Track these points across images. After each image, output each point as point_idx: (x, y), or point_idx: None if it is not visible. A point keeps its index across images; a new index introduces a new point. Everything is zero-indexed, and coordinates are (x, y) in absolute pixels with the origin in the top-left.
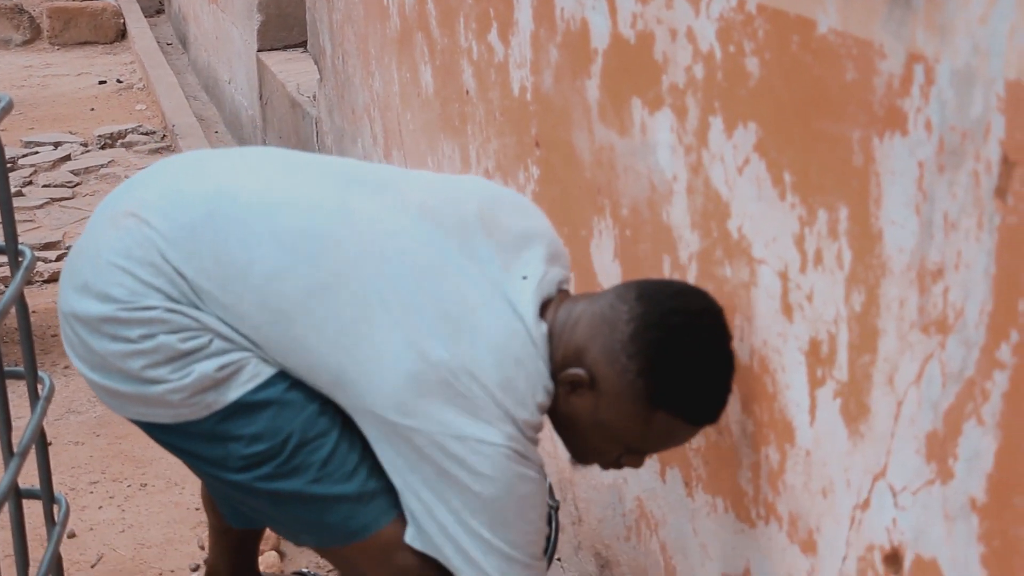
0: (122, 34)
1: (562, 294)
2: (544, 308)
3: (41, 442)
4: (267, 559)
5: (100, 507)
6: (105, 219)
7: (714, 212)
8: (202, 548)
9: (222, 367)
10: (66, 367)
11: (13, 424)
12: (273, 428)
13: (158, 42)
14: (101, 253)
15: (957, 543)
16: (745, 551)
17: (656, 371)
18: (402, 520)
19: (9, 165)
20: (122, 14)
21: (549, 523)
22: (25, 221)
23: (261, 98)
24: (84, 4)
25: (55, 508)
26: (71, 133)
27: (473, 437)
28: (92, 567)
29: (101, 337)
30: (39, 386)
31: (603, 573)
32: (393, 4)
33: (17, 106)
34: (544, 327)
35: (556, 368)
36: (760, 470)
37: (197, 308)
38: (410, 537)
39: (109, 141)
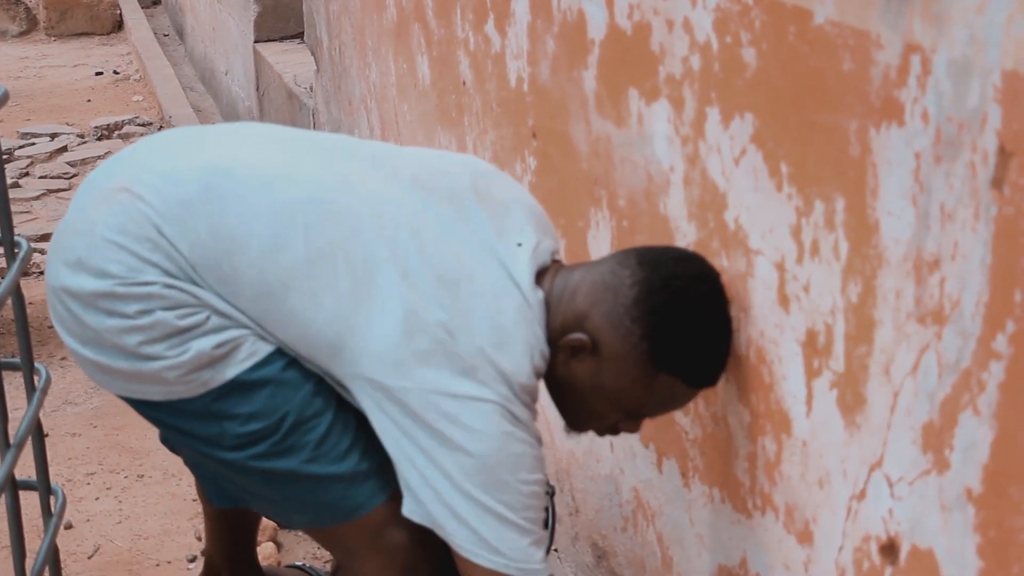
0: (119, 25)
1: (556, 264)
2: (539, 277)
3: (37, 433)
4: (264, 550)
5: (97, 498)
6: (95, 195)
7: (711, 203)
8: (199, 539)
9: (219, 344)
10: (63, 358)
11: (9, 415)
12: (269, 407)
13: (155, 33)
14: (95, 229)
15: (953, 533)
16: (741, 542)
17: (660, 334)
18: (393, 500)
19: (5, 156)
20: (119, 5)
21: (546, 510)
22: (21, 212)
23: (258, 89)
24: None
25: (52, 499)
26: (68, 124)
27: (467, 395)
28: (89, 558)
29: (96, 312)
30: (35, 377)
31: (600, 564)
32: None
33: (13, 97)
34: (540, 294)
35: (555, 335)
36: (756, 461)
37: (195, 284)
38: (407, 510)
39: (106, 132)
